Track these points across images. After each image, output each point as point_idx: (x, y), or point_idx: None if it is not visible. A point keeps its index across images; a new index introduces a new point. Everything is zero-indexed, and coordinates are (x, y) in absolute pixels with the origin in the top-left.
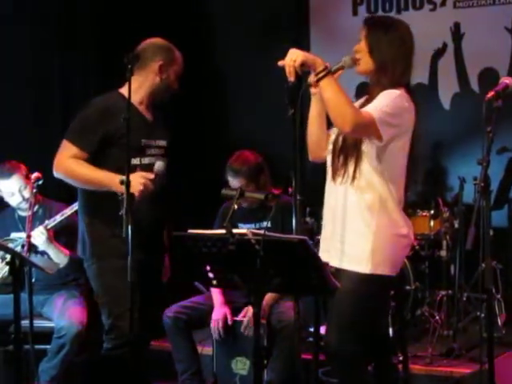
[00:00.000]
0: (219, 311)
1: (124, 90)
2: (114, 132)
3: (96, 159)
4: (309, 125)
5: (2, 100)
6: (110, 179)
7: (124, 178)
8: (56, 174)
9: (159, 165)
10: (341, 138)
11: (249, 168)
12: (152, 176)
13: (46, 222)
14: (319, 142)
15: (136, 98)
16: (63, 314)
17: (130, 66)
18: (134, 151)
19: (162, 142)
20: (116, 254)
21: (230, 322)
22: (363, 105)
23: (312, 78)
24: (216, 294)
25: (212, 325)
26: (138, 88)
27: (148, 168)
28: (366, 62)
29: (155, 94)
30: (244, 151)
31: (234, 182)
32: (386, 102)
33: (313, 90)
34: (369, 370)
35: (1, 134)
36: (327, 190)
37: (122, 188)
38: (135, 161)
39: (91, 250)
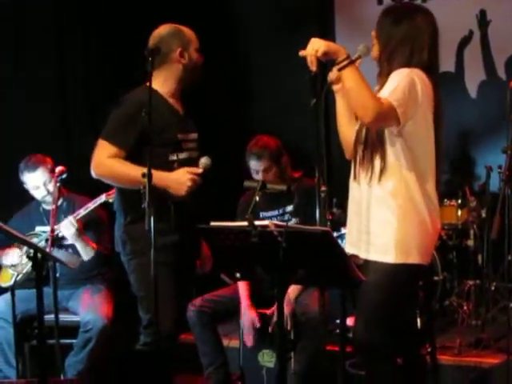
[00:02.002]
0: (248, 317)
1: (153, 84)
2: (151, 128)
3: (132, 157)
4: (338, 124)
5: (27, 97)
6: (157, 177)
7: (146, 171)
8: (96, 175)
9: (206, 159)
10: (364, 130)
11: (271, 151)
12: (200, 170)
13: (74, 214)
14: (352, 138)
15: (165, 91)
16: (89, 308)
17: (150, 59)
18: (171, 147)
19: (195, 135)
20: (156, 248)
21: (258, 326)
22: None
23: (332, 75)
24: (243, 291)
25: (244, 333)
26: (165, 81)
27: (186, 163)
28: (376, 49)
29: (184, 79)
30: (262, 136)
31: (258, 164)
32: (396, 83)
33: (335, 87)
34: (397, 362)
35: (27, 129)
36: (351, 185)
37: (171, 183)
38: (173, 156)
39: (131, 247)
